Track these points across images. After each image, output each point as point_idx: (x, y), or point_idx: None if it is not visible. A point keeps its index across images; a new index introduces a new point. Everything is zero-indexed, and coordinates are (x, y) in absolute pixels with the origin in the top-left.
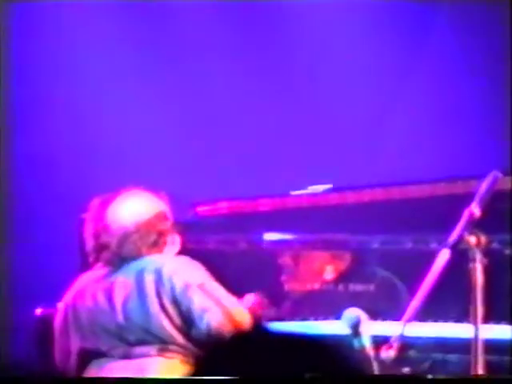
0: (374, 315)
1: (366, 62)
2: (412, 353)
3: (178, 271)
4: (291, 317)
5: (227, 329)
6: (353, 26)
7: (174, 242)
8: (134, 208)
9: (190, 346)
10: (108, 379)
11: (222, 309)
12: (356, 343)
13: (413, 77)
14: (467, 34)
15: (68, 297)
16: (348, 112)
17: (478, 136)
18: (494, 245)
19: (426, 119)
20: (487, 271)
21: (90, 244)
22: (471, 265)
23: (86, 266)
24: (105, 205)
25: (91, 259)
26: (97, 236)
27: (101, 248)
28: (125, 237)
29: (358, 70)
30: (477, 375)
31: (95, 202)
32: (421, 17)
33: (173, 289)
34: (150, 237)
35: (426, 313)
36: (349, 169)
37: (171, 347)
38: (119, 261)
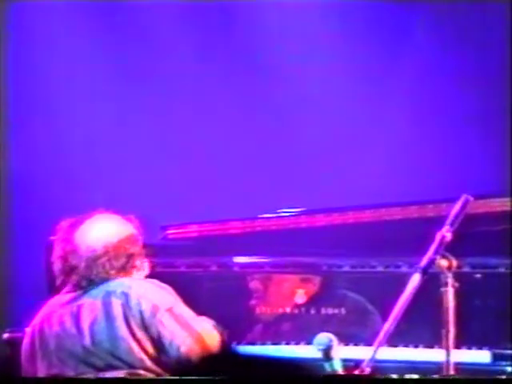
0: (346, 339)
1: (340, 81)
2: None
3: (146, 294)
4: (262, 340)
5: (197, 353)
6: (330, 42)
7: (143, 266)
8: (102, 230)
9: (159, 370)
10: (108, 379)
11: (191, 333)
12: (327, 367)
13: (388, 101)
14: (451, 43)
15: (35, 321)
16: (319, 135)
17: (451, 159)
18: (466, 268)
19: (400, 142)
20: (458, 295)
21: (58, 267)
22: (443, 288)
23: (54, 290)
24: (73, 227)
25: (59, 282)
26: (65, 259)
27: (69, 271)
28: (93, 259)
29: (331, 92)
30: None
31: (63, 225)
32: (402, 27)
33: (141, 312)
34: (119, 260)
35: (398, 337)
36: (319, 192)
37: (140, 372)
38: (87, 284)
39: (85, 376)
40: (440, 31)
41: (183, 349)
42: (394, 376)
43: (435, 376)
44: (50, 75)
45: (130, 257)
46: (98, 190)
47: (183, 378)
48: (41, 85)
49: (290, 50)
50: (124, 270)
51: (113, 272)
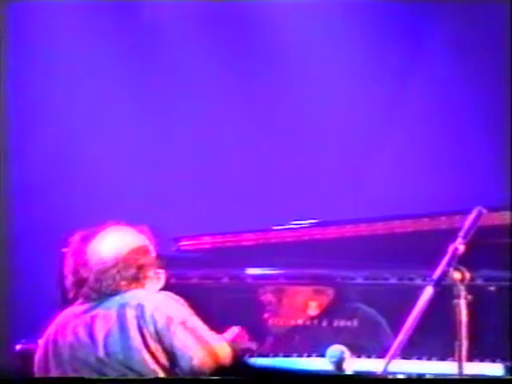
0: (358, 351)
1: (350, 90)
2: None
3: (160, 307)
4: (274, 353)
5: (209, 366)
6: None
7: (159, 276)
8: (113, 243)
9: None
10: (108, 379)
11: (203, 346)
12: None
13: (397, 112)
14: (463, 53)
15: (49, 332)
16: (332, 147)
17: (462, 171)
18: (478, 281)
19: (412, 154)
20: (471, 307)
21: (70, 280)
22: (455, 301)
23: (66, 302)
24: (86, 240)
25: (71, 295)
26: (76, 271)
27: (79, 283)
28: (102, 272)
29: (341, 102)
30: None
31: (76, 237)
32: (414, 33)
33: (155, 324)
34: (129, 271)
35: (411, 349)
36: (332, 203)
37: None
38: (97, 296)
39: (84, 376)
40: (453, 37)
41: (195, 361)
42: (390, 377)
43: (430, 376)
44: (51, 77)
45: (141, 267)
46: (111, 202)
47: (185, 378)
48: (42, 86)
49: (303, 53)
50: (136, 280)
51: (123, 283)
